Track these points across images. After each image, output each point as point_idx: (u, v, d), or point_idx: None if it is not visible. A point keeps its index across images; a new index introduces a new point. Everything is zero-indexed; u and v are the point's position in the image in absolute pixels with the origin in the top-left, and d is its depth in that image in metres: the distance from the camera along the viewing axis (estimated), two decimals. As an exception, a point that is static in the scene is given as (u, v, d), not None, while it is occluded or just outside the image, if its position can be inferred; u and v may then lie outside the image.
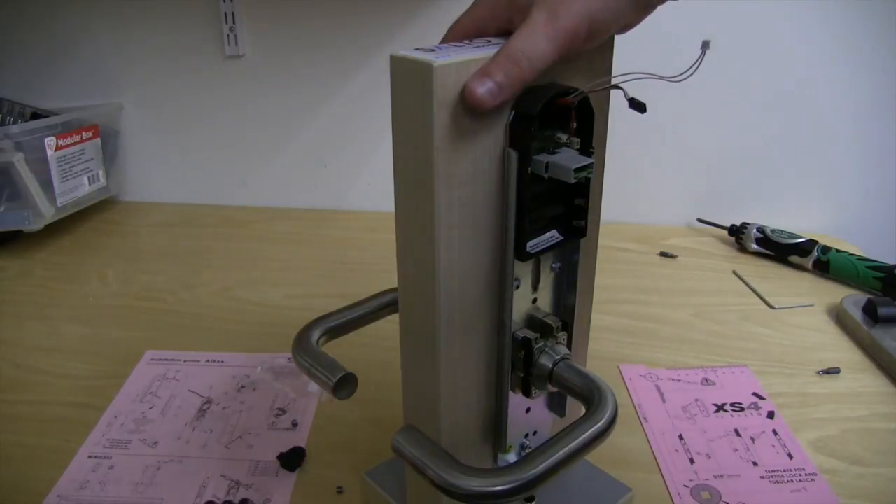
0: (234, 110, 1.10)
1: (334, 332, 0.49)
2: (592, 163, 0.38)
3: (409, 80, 0.34)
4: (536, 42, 0.35)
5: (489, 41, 0.38)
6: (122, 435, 0.62)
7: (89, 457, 0.60)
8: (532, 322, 0.45)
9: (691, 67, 0.34)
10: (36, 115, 1.03)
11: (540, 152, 0.38)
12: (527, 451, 0.48)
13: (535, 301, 0.44)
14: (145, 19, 1.05)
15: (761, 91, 0.98)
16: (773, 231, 0.96)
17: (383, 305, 0.51)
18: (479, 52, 0.35)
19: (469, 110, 0.35)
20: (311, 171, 1.12)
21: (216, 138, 1.12)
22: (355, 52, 1.03)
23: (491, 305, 0.41)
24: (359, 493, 0.56)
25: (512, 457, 0.47)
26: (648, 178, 1.05)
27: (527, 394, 0.45)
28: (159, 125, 1.13)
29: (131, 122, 1.12)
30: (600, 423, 0.39)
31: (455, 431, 0.43)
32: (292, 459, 0.58)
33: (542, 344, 0.44)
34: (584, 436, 0.38)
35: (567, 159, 0.38)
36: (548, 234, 0.42)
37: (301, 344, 0.46)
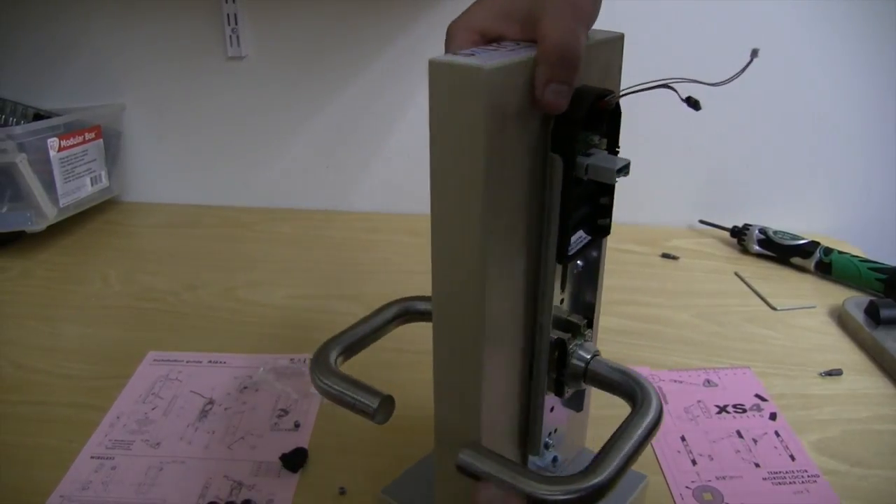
0: (237, 111, 1.10)
1: (350, 351, 0.48)
2: (629, 162, 0.39)
3: (455, 85, 0.33)
4: (573, 32, 0.35)
5: (518, 44, 0.37)
6: (124, 435, 0.62)
7: (92, 457, 0.60)
8: (558, 322, 0.45)
9: (736, 73, 0.35)
10: (38, 116, 1.03)
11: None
12: (551, 449, 0.49)
13: (561, 301, 0.45)
14: (148, 20, 1.05)
15: (763, 92, 0.98)
16: (775, 232, 0.96)
17: (392, 318, 0.50)
18: (518, 55, 0.34)
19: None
20: (313, 171, 1.12)
21: (218, 139, 1.12)
22: (357, 53, 1.04)
23: (526, 310, 0.41)
24: (360, 494, 0.56)
25: (548, 457, 0.47)
26: (650, 180, 1.05)
27: (559, 394, 0.45)
28: (161, 126, 1.13)
29: (134, 123, 1.12)
30: (652, 415, 0.40)
31: (492, 438, 0.42)
32: (295, 460, 0.58)
33: (573, 343, 0.45)
34: (643, 429, 0.39)
35: (605, 160, 0.38)
36: (576, 235, 0.42)
37: (322, 368, 0.45)
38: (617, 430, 0.39)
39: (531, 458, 0.47)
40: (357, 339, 0.48)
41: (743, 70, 0.35)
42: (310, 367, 0.45)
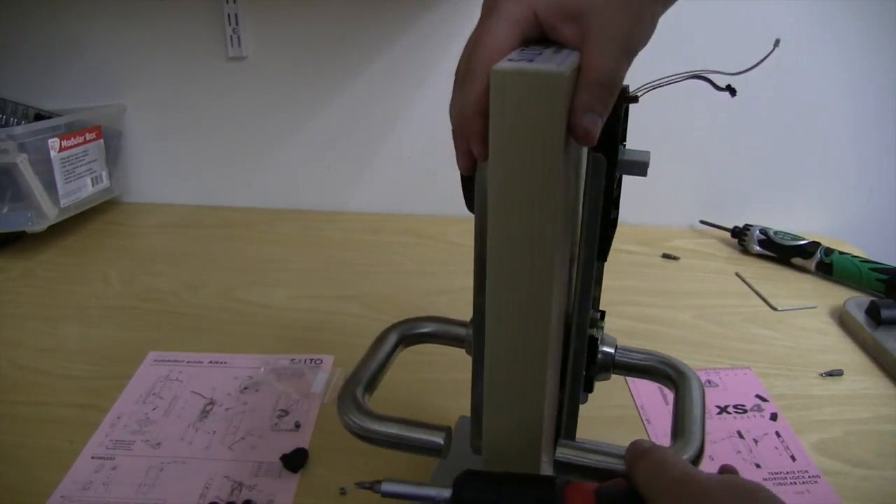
0: (237, 112, 1.10)
1: (371, 388, 0.47)
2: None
3: (526, 93, 0.32)
4: (619, 64, 0.34)
5: (543, 50, 0.36)
6: (125, 436, 0.62)
7: (92, 458, 0.60)
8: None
9: (758, 62, 0.36)
10: (39, 117, 1.03)
11: None
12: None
13: None
14: (148, 21, 1.05)
15: (764, 93, 0.98)
16: (775, 233, 0.95)
17: (394, 346, 0.50)
18: (571, 58, 0.34)
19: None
20: (314, 172, 1.12)
21: (219, 140, 1.12)
22: (358, 53, 1.04)
23: (565, 312, 0.42)
24: (360, 494, 0.56)
25: None
26: (651, 180, 1.04)
27: (589, 389, 0.46)
28: (162, 126, 1.13)
29: (134, 124, 1.12)
30: (697, 387, 0.45)
31: (545, 443, 0.42)
32: (295, 460, 0.58)
33: (599, 337, 0.46)
34: (698, 401, 0.44)
35: (636, 155, 0.39)
36: None
37: (362, 414, 0.43)
38: (676, 410, 0.42)
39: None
40: (373, 375, 0.47)
41: (764, 59, 0.35)
42: (346, 416, 0.43)
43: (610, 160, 0.37)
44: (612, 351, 0.46)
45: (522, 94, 0.31)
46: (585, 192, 0.38)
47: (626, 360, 0.46)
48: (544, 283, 0.35)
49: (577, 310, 0.41)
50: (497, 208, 0.34)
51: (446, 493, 0.37)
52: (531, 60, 0.32)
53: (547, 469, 0.45)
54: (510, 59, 0.33)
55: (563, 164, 0.33)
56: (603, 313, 0.47)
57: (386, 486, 0.38)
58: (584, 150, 0.38)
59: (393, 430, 0.42)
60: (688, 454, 0.39)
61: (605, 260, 0.41)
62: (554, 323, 0.38)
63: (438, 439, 0.41)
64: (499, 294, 0.37)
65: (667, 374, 0.46)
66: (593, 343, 0.44)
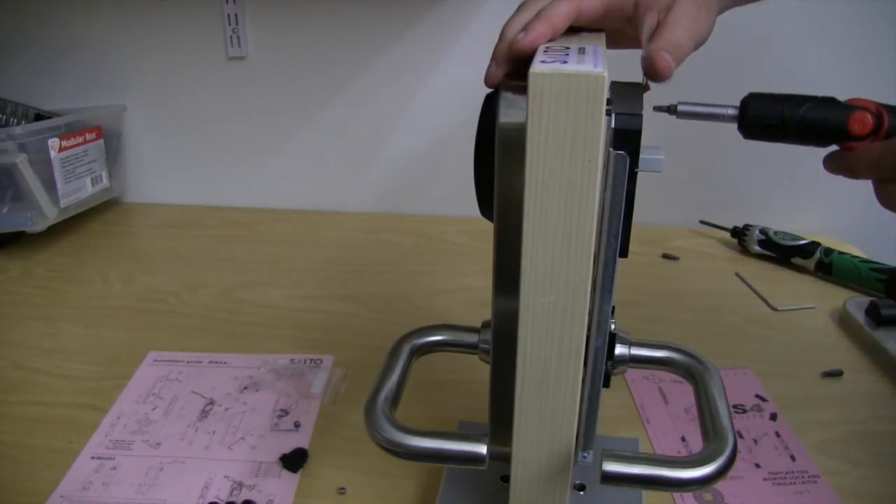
0: (237, 112, 1.10)
1: (395, 403, 0.47)
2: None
3: (566, 94, 0.32)
4: (686, 33, 0.41)
5: (583, 49, 0.37)
6: (124, 436, 0.62)
7: (92, 458, 0.60)
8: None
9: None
10: (39, 117, 1.03)
11: None
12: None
13: None
14: (148, 21, 1.05)
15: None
16: (775, 233, 0.95)
17: (409, 359, 0.49)
18: (604, 59, 0.34)
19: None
20: (314, 172, 1.12)
21: (219, 140, 1.12)
22: (358, 53, 1.04)
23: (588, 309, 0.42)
24: (360, 494, 0.56)
25: (588, 455, 0.48)
26: (650, 180, 1.05)
27: (607, 384, 0.46)
28: (162, 127, 1.13)
29: (134, 124, 1.13)
30: (717, 379, 0.45)
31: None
32: (295, 460, 0.58)
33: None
34: (720, 394, 0.43)
35: (652, 152, 0.39)
36: None
37: (395, 430, 0.42)
38: (699, 404, 0.42)
39: (583, 454, 0.47)
40: (396, 388, 0.46)
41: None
42: (378, 432, 0.43)
43: (633, 158, 0.37)
44: (627, 345, 0.46)
45: (562, 96, 0.32)
46: (605, 189, 0.38)
47: (641, 353, 0.46)
48: (580, 284, 0.36)
49: (599, 307, 0.42)
50: (533, 210, 0.35)
51: (733, 110, 0.43)
52: (565, 62, 0.33)
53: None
54: (544, 62, 0.33)
55: (601, 161, 0.33)
56: (613, 308, 0.47)
57: (681, 108, 0.45)
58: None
59: (433, 444, 0.41)
60: (724, 455, 0.38)
61: (626, 257, 0.41)
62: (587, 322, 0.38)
63: (481, 450, 0.41)
64: (533, 296, 0.37)
65: (684, 365, 0.46)
66: (612, 338, 0.44)
